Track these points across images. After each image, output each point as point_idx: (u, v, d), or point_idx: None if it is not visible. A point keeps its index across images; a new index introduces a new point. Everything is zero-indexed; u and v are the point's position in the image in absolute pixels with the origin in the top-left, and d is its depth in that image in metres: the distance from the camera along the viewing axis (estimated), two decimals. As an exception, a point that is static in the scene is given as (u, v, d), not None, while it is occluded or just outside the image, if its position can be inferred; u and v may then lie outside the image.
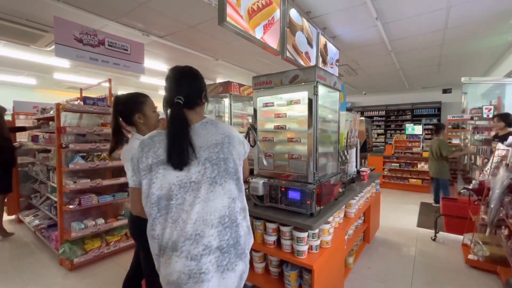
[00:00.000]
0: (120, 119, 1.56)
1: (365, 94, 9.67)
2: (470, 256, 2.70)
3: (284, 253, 1.76)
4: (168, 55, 5.01)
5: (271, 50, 2.59)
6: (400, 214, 4.46)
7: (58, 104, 2.67)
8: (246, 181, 1.88)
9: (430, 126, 8.35)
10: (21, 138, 4.25)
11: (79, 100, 3.66)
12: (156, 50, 4.67)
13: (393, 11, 3.24)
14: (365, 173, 2.91)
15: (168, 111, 1.04)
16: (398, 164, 6.59)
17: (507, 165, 2.46)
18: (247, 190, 1.93)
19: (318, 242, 1.77)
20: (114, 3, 3.03)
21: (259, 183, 1.88)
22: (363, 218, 3.01)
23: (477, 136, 4.96)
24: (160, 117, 1.70)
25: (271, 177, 1.94)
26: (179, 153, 0.98)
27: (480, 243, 2.64)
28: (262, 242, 1.88)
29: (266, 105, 2.03)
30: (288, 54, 2.77)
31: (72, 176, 2.83)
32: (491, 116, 4.52)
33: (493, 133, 4.19)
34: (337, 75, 3.89)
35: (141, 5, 3.06)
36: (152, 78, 6.78)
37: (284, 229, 1.76)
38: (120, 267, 2.74)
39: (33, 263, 2.82)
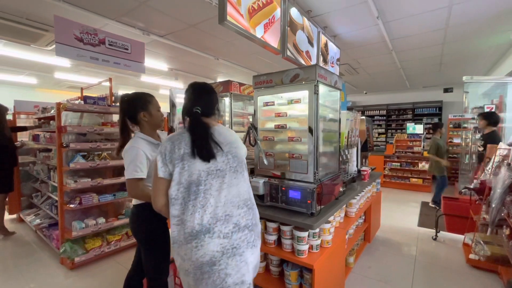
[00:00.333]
0: (126, 118, 1.59)
1: (366, 93, 9.64)
2: (471, 256, 2.69)
3: (285, 253, 1.76)
4: (169, 54, 5.00)
5: (272, 49, 2.58)
6: (401, 214, 4.45)
7: (58, 104, 2.67)
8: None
9: (431, 126, 8.33)
10: (22, 137, 4.26)
11: (79, 100, 3.67)
12: (157, 49, 4.67)
13: (394, 9, 3.23)
14: (365, 172, 2.91)
15: (187, 118, 1.25)
16: (399, 164, 6.58)
17: (508, 164, 2.45)
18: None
19: (318, 242, 1.77)
20: (114, 2, 3.02)
21: (259, 183, 1.88)
22: (363, 217, 3.00)
23: (478, 136, 4.94)
24: (163, 117, 1.72)
25: (272, 177, 1.94)
26: (208, 148, 1.17)
27: (481, 242, 2.63)
28: (263, 241, 1.88)
29: (266, 104, 2.02)
30: (288, 53, 2.76)
31: (73, 175, 2.83)
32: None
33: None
34: (337, 74, 3.87)
35: (142, 4, 3.06)
36: (153, 78, 6.78)
37: (285, 228, 1.76)
38: (121, 266, 2.75)
39: (34, 262, 2.83)
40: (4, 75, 6.38)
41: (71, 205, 2.68)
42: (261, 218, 1.86)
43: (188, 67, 5.85)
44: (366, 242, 3.13)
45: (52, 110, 2.88)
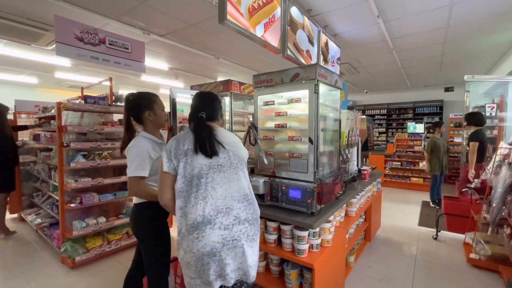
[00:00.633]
0: (131, 117, 1.61)
1: (366, 92, 9.62)
2: (472, 255, 2.69)
3: (285, 252, 1.76)
4: (169, 54, 5.00)
5: (272, 48, 2.58)
6: (401, 213, 4.44)
7: (59, 103, 2.67)
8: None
9: (431, 125, 8.31)
10: (23, 137, 4.27)
11: (80, 99, 3.67)
12: (157, 49, 4.66)
13: (395, 8, 3.22)
14: (366, 171, 2.90)
15: (192, 121, 1.35)
16: (399, 163, 6.57)
17: (509, 163, 2.44)
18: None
19: (318, 241, 1.77)
20: (114, 1, 3.02)
21: (259, 182, 1.88)
22: (364, 217, 3.00)
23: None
24: (166, 117, 1.72)
25: (272, 176, 1.94)
26: (211, 145, 1.25)
27: (482, 242, 2.63)
28: (263, 240, 1.88)
29: (266, 103, 2.02)
30: (289, 52, 2.76)
31: (74, 175, 2.84)
32: (494, 114, 4.49)
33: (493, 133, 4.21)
34: (338, 73, 3.87)
35: (142, 3, 3.06)
36: (153, 77, 6.78)
37: (285, 227, 1.76)
38: (122, 265, 2.75)
39: (35, 261, 2.83)
40: (5, 75, 6.39)
41: (72, 205, 2.68)
42: (261, 218, 1.87)
43: (188, 67, 5.85)
44: (366, 242, 3.13)
45: (53, 110, 2.89)
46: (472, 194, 3.18)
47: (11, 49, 4.52)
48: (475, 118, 3.76)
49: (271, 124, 2.06)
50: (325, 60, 3.66)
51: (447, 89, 8.21)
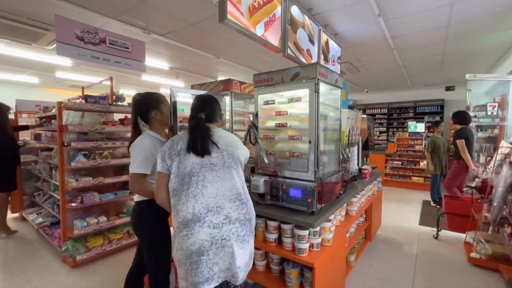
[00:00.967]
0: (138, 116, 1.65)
1: (367, 91, 9.61)
2: (473, 254, 2.68)
3: (285, 251, 1.76)
4: (169, 53, 5.00)
5: (272, 47, 2.58)
6: (402, 212, 4.44)
7: (60, 103, 2.68)
8: (246, 180, 1.88)
9: (430, 124, 8.30)
10: (24, 136, 4.28)
11: (81, 99, 3.68)
12: (157, 48, 4.67)
13: (396, 7, 3.21)
14: (366, 171, 2.90)
15: (191, 122, 1.36)
16: (400, 162, 6.56)
17: (510, 163, 2.43)
18: (248, 188, 1.93)
19: (319, 240, 1.77)
20: (115, 1, 3.02)
21: (260, 181, 1.88)
22: (364, 216, 3.00)
23: (480, 134, 4.92)
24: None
25: (272, 175, 1.94)
26: (203, 145, 1.26)
27: (483, 241, 2.62)
28: (263, 240, 1.88)
29: (267, 102, 2.02)
30: (289, 51, 2.75)
31: (75, 174, 2.85)
32: (495, 113, 4.48)
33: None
34: (338, 72, 3.86)
35: (142, 2, 3.06)
36: (154, 76, 6.78)
37: (285, 227, 1.76)
38: (123, 264, 2.76)
39: (37, 261, 2.84)
40: (6, 75, 6.41)
41: (73, 204, 2.69)
42: (262, 217, 1.87)
43: (189, 66, 5.85)
44: (367, 241, 3.13)
45: (54, 109, 2.89)
46: (469, 193, 3.18)
47: (12, 49, 4.53)
48: (461, 117, 3.90)
49: (271, 123, 2.05)
50: (326, 59, 3.66)
51: (448, 88, 8.19)
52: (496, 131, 4.51)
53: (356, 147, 2.85)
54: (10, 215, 3.98)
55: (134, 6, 3.15)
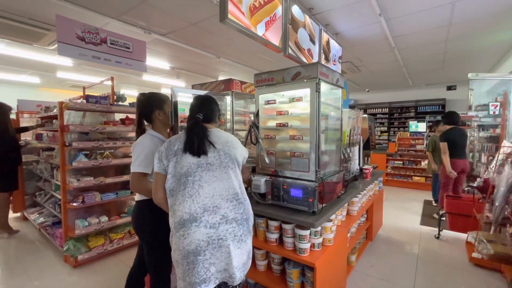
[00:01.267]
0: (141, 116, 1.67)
1: (368, 91, 9.59)
2: (474, 255, 2.67)
3: (286, 251, 1.76)
4: (170, 53, 5.00)
5: (273, 47, 2.57)
6: (403, 212, 4.43)
7: (61, 103, 2.68)
8: (248, 181, 1.88)
9: (431, 123, 8.28)
10: (26, 136, 4.29)
11: (82, 99, 3.68)
12: (158, 48, 4.67)
13: (397, 7, 3.20)
14: (368, 170, 2.90)
15: (189, 122, 1.37)
16: (401, 162, 6.54)
17: (512, 162, 2.42)
18: (249, 188, 1.93)
19: (320, 240, 1.77)
20: (115, 1, 3.02)
21: (261, 181, 1.88)
22: (365, 216, 2.99)
23: (482, 133, 4.90)
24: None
25: (273, 175, 1.93)
26: (200, 145, 1.27)
27: (485, 241, 2.61)
28: (264, 239, 1.88)
29: (268, 102, 2.02)
30: (290, 51, 2.75)
31: (76, 174, 2.85)
32: (497, 113, 4.46)
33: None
34: (339, 72, 3.85)
35: (143, 2, 3.06)
36: (154, 76, 6.79)
37: (286, 226, 1.76)
38: (124, 264, 2.77)
39: (38, 260, 2.85)
40: (8, 75, 6.43)
41: (74, 204, 2.69)
42: (263, 216, 1.87)
43: (190, 66, 5.85)
44: (368, 241, 3.12)
45: (55, 109, 2.90)
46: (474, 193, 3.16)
47: (14, 49, 4.54)
48: (449, 117, 3.90)
49: (272, 123, 2.05)
50: (327, 59, 3.65)
51: (449, 88, 8.16)
52: (498, 130, 4.49)
53: (357, 146, 2.84)
54: (12, 214, 3.99)
55: (135, 6, 3.15)
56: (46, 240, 3.31)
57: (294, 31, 2.81)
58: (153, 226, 1.56)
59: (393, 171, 6.59)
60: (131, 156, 1.55)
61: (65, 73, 6.31)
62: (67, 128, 2.64)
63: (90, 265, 2.74)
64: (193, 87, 3.00)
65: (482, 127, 4.96)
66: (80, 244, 2.72)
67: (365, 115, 3.24)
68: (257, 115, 2.02)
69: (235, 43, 4.40)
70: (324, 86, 1.82)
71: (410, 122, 7.16)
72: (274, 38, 2.55)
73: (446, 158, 3.66)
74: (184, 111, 2.03)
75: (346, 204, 2.33)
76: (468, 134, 5.72)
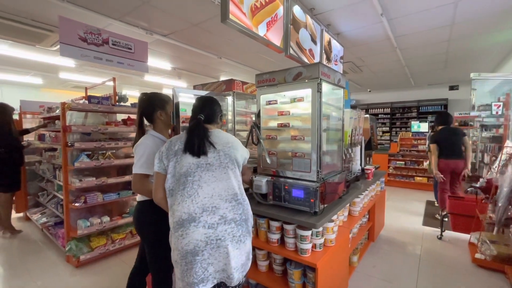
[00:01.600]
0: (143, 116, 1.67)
1: (370, 91, 9.57)
2: (477, 255, 2.66)
3: (288, 251, 1.76)
4: (172, 54, 5.02)
5: (275, 47, 2.57)
6: (405, 213, 4.41)
7: (63, 103, 2.69)
8: (249, 181, 1.88)
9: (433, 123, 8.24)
10: (29, 137, 4.31)
11: (84, 99, 3.70)
12: (160, 49, 4.68)
13: (399, 6, 3.19)
14: (369, 171, 2.89)
15: (191, 122, 1.39)
16: (403, 162, 6.52)
17: (515, 163, 2.41)
18: (250, 189, 1.93)
19: (322, 241, 1.76)
20: (117, 2, 3.04)
21: (262, 181, 1.88)
22: (367, 216, 2.98)
23: (484, 133, 4.88)
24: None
25: (275, 175, 1.93)
26: (200, 145, 1.28)
27: (488, 242, 2.59)
28: (266, 240, 1.88)
29: (269, 103, 2.02)
30: (291, 51, 2.75)
31: (78, 174, 2.86)
32: (500, 113, 4.43)
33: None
34: (341, 72, 3.85)
35: (145, 3, 3.07)
36: (156, 77, 6.80)
37: (288, 227, 1.76)
38: (125, 264, 2.77)
39: (41, 260, 2.87)
40: (10, 76, 6.47)
41: (76, 204, 2.70)
42: (264, 217, 1.87)
43: (191, 66, 5.86)
44: (370, 241, 3.11)
45: (57, 110, 2.91)
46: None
47: (16, 50, 4.57)
48: (441, 118, 3.91)
49: (273, 124, 2.05)
50: (328, 59, 3.64)
51: (451, 88, 8.13)
52: (501, 130, 4.47)
53: (359, 147, 2.83)
54: (14, 215, 4.01)
55: (137, 7, 3.16)
56: (49, 240, 3.33)
57: (296, 31, 2.81)
58: (154, 226, 1.56)
59: (395, 172, 6.56)
60: (133, 157, 1.55)
61: (68, 74, 6.34)
62: (69, 129, 2.65)
63: (92, 265, 2.75)
64: (195, 87, 3.01)
65: (484, 127, 4.93)
66: (82, 244, 2.73)
67: (367, 115, 3.23)
68: (258, 115, 2.02)
69: (236, 44, 4.40)
70: (325, 87, 1.82)
71: (412, 122, 7.13)
72: (276, 38, 2.55)
73: (434, 159, 3.68)
74: (185, 111, 2.03)
75: (348, 205, 2.32)
76: (471, 135, 5.70)
